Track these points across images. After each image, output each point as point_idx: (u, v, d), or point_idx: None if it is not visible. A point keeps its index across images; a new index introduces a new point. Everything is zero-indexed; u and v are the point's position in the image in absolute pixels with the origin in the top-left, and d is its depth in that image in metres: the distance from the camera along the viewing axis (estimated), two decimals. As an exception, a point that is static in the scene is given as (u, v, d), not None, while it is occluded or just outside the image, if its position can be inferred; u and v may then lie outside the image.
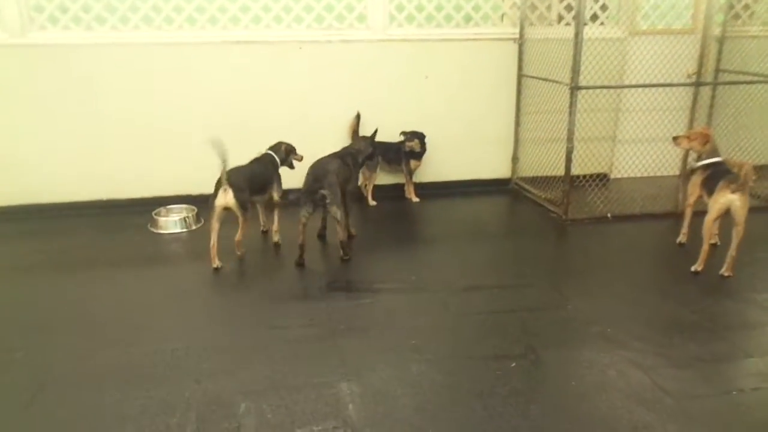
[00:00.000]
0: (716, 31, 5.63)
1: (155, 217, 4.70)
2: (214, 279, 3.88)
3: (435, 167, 5.60)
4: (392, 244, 4.47)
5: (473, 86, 5.48)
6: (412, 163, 5.34)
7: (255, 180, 4.18)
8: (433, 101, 5.45)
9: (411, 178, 5.41)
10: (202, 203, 4.72)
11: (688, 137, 4.10)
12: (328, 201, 3.93)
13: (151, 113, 5.02)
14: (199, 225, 4.78)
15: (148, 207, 4.93)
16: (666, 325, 3.25)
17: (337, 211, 3.97)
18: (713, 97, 5.77)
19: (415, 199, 5.42)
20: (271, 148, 4.45)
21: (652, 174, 5.78)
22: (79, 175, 5.02)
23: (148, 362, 2.88)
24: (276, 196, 4.40)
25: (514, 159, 5.75)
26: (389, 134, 5.33)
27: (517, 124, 5.64)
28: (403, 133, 5.27)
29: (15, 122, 4.83)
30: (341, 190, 4.23)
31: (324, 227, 4.49)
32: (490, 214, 5.24)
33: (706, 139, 3.98)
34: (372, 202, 5.33)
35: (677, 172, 5.97)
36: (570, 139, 4.71)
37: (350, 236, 4.50)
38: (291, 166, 4.54)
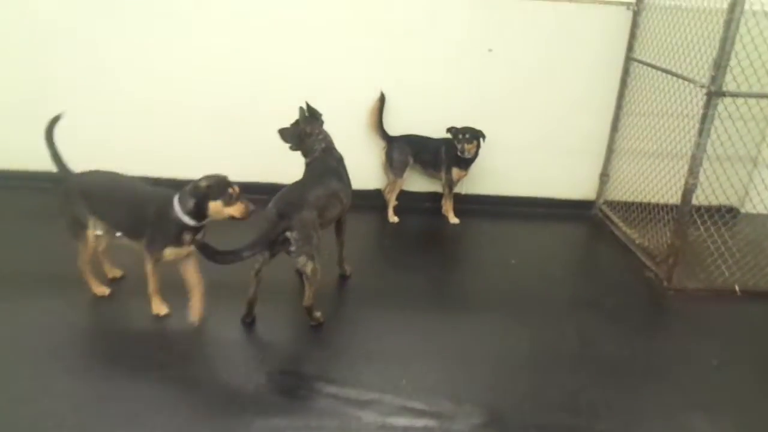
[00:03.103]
0: None
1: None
2: (94, 339, 2.64)
3: (489, 176, 4.07)
4: (400, 300, 3.04)
5: (557, 68, 3.84)
6: (455, 171, 3.83)
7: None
8: (497, 85, 3.87)
9: (451, 191, 3.90)
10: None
11: None
12: (292, 249, 2.57)
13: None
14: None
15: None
16: None
17: (307, 264, 2.59)
18: None
19: (454, 220, 3.93)
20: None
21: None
22: None
23: None
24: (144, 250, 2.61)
25: (603, 176, 4.10)
26: (428, 126, 3.86)
27: (615, 128, 3.97)
28: (453, 129, 3.74)
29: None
30: (338, 221, 2.95)
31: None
32: (557, 260, 3.63)
33: None
34: (393, 218, 3.90)
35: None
36: (694, 170, 3.05)
37: (343, 276, 3.16)
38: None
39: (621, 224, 3.84)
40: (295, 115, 2.95)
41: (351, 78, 3.81)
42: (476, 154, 3.78)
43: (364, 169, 3.99)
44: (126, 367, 2.41)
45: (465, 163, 3.80)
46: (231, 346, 2.62)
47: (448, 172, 3.82)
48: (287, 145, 2.99)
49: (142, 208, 2.52)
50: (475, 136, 3.72)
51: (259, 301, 2.71)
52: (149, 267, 2.59)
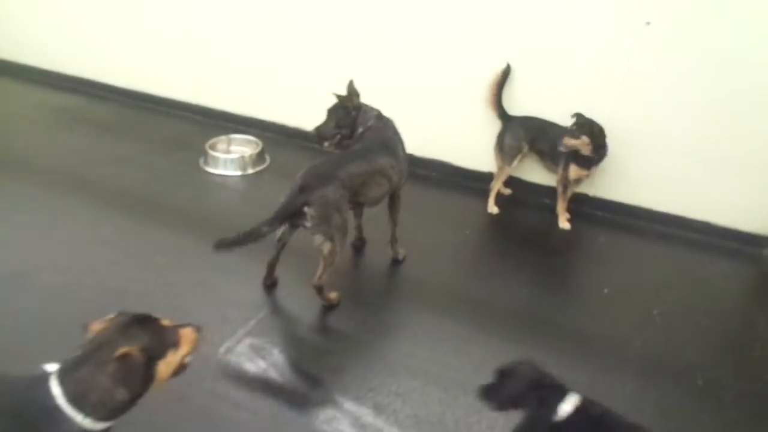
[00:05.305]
0: None
1: (208, 150, 3.75)
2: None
3: (626, 180, 3.31)
4: (450, 307, 2.62)
5: (741, 50, 2.87)
6: (573, 169, 3.16)
7: None
8: (652, 67, 3.05)
9: (566, 190, 3.25)
10: (272, 133, 4.09)
11: None
12: (308, 225, 2.37)
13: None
14: (260, 167, 3.73)
15: (233, 124, 4.19)
16: None
17: (324, 244, 2.39)
18: None
19: (564, 225, 3.29)
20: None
21: None
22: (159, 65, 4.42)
23: None
24: None
25: (789, 206, 3.03)
26: (555, 110, 3.24)
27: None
28: (578, 116, 3.06)
29: None
30: (391, 197, 2.74)
31: (360, 232, 2.93)
32: (679, 304, 2.73)
33: None
34: (492, 209, 3.41)
35: None
36: None
37: (395, 260, 2.88)
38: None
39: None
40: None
41: (472, 44, 3.36)
42: (601, 155, 3.08)
43: (479, 148, 3.56)
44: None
45: (587, 162, 3.11)
46: (232, 304, 2.54)
47: (566, 168, 3.17)
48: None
49: None
50: (591, 127, 2.98)
51: (290, 267, 2.61)
52: None
